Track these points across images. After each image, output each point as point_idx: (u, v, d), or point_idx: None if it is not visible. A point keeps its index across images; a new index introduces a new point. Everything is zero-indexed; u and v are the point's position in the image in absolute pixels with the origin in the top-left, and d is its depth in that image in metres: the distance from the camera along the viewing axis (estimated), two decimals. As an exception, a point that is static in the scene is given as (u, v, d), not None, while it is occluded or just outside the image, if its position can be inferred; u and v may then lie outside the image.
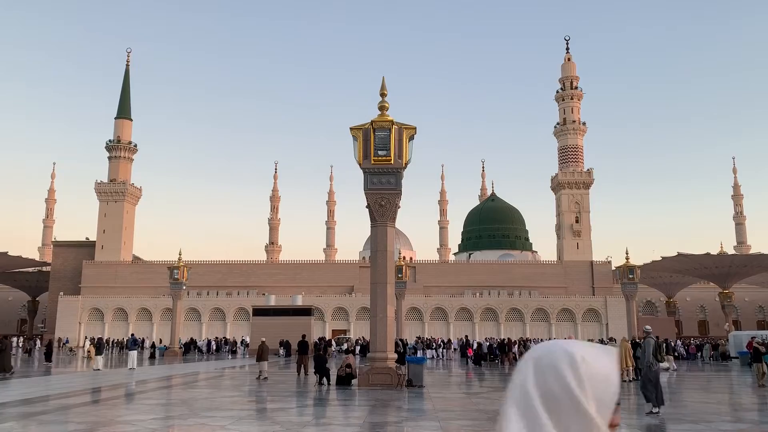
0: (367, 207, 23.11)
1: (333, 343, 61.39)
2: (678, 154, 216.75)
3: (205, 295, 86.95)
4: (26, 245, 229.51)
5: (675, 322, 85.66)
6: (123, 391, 22.87)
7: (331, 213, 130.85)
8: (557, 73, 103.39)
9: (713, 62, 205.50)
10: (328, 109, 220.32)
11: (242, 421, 13.94)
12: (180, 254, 52.75)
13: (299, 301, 63.16)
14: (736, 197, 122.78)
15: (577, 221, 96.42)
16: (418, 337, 61.00)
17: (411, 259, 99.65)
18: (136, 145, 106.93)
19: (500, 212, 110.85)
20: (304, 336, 31.23)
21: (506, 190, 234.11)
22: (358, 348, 51.93)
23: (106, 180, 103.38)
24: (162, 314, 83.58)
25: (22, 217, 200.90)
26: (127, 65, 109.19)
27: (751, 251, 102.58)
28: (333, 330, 79.91)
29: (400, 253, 72.00)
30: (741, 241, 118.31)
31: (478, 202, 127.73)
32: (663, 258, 79.00)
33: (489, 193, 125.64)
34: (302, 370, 27.99)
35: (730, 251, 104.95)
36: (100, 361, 33.54)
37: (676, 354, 46.48)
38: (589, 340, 1.82)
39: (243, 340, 66.58)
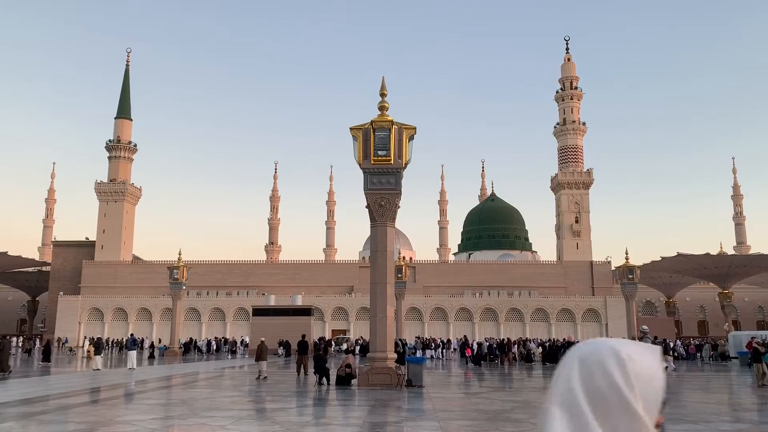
0: (366, 207, 23.12)
1: (333, 343, 61.43)
2: (678, 154, 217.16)
3: (205, 295, 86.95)
4: (26, 245, 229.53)
5: (675, 322, 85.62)
6: (122, 391, 22.86)
7: (330, 213, 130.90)
8: (557, 73, 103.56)
9: (713, 62, 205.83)
10: (328, 109, 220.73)
11: (242, 421, 13.94)
12: (180, 254, 52.84)
13: (299, 301, 63.17)
14: (736, 197, 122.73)
15: (576, 221, 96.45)
16: (418, 337, 60.98)
17: (411, 259, 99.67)
18: (136, 145, 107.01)
19: (500, 212, 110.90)
20: (303, 336, 31.23)
21: (506, 190, 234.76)
22: (357, 348, 51.93)
23: (106, 180, 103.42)
24: (162, 314, 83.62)
25: (22, 217, 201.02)
26: (127, 65, 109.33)
27: (751, 251, 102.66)
28: (333, 330, 79.95)
29: (399, 253, 71.95)
30: (741, 241, 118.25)
31: (477, 202, 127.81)
32: (663, 258, 79.00)
33: (489, 193, 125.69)
34: (302, 370, 27.97)
35: (730, 251, 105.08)
36: (99, 361, 33.56)
37: (676, 354, 46.48)
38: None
39: (243, 340, 66.63)
